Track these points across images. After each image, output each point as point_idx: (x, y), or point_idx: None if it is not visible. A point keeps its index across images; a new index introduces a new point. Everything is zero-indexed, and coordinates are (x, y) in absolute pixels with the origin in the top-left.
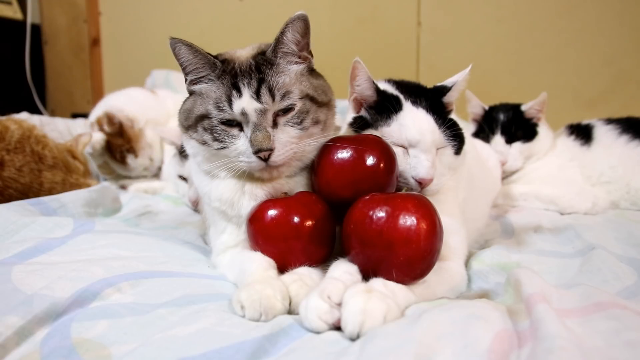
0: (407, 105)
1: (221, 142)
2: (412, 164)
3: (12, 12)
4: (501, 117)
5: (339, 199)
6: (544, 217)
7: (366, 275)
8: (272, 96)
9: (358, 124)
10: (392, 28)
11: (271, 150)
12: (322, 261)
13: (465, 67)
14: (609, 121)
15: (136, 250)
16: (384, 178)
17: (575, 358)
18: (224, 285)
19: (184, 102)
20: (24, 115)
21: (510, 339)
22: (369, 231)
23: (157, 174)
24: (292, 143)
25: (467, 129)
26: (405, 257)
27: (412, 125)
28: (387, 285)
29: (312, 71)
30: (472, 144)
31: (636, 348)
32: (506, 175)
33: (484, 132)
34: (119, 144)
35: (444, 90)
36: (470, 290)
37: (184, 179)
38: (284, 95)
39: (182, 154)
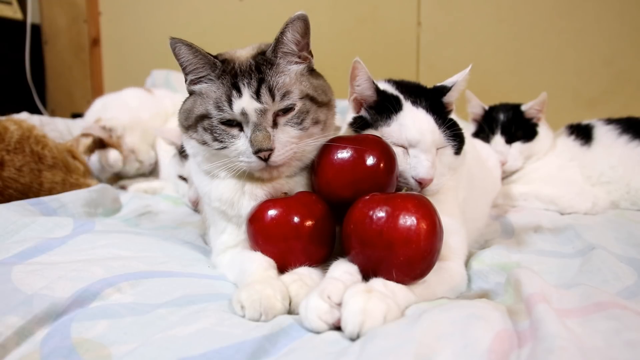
0: (407, 105)
1: (221, 142)
2: (412, 164)
3: (12, 12)
4: (501, 117)
5: (339, 199)
6: (544, 217)
7: (366, 275)
8: (272, 96)
9: (358, 124)
10: (392, 28)
11: (271, 150)
12: (322, 261)
13: (465, 67)
14: (609, 121)
15: (136, 250)
16: (384, 178)
17: (575, 358)
18: (224, 285)
19: (184, 102)
20: (23, 115)
21: (510, 339)
22: (369, 231)
23: (153, 171)
24: (292, 143)
25: (467, 129)
26: (405, 257)
27: (412, 125)
28: (387, 285)
29: (312, 71)
30: (472, 144)
31: (636, 348)
32: (506, 175)
33: (484, 132)
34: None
35: (443, 90)
36: (470, 290)
37: (184, 179)
38: (284, 95)
39: (182, 154)
